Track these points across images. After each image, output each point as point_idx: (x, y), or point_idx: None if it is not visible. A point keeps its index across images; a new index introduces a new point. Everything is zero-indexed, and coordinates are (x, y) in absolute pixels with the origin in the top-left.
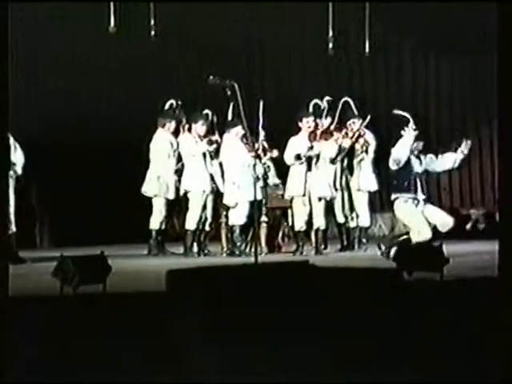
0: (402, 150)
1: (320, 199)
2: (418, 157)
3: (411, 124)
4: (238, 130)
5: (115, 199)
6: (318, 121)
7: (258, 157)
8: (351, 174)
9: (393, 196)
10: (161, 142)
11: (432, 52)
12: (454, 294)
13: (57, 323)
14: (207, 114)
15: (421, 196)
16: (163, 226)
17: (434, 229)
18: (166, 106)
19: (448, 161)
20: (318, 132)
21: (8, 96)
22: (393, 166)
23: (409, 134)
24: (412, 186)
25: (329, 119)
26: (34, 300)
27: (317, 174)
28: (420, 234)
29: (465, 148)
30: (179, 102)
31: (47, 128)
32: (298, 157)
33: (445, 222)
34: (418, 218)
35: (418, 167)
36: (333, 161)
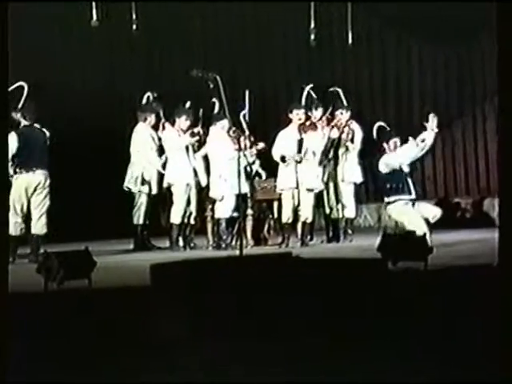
0: (403, 158)
1: (309, 191)
2: None
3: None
4: (224, 124)
5: (99, 194)
6: (309, 112)
7: (242, 150)
8: (336, 165)
9: (387, 199)
10: (142, 136)
11: (415, 42)
12: (438, 283)
13: (42, 319)
14: (191, 109)
15: (412, 195)
16: (147, 221)
17: (426, 222)
18: (145, 100)
19: (425, 141)
20: (307, 123)
21: (7, 96)
22: (384, 170)
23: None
24: (406, 186)
25: (320, 110)
26: (18, 296)
27: (306, 166)
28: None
29: (432, 124)
30: (155, 95)
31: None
32: (283, 159)
33: (434, 213)
34: (417, 219)
35: (406, 167)
36: (326, 155)
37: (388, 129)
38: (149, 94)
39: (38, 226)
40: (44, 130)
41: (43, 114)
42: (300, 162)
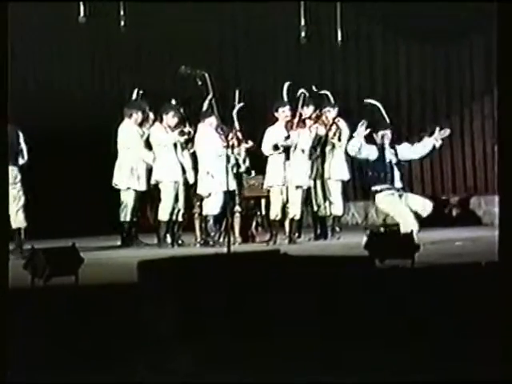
0: (353, 140)
1: (297, 188)
2: (392, 147)
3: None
4: (212, 121)
5: (87, 190)
6: (300, 110)
7: (231, 147)
8: (324, 162)
9: (373, 188)
10: (128, 133)
11: (403, 40)
12: (425, 280)
13: (28, 316)
14: (178, 105)
15: (399, 185)
16: (135, 218)
17: (415, 215)
18: (132, 96)
19: (421, 146)
20: (295, 121)
21: (7, 94)
22: (351, 152)
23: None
24: (389, 176)
25: (311, 107)
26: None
27: (294, 162)
28: (406, 225)
29: (439, 135)
30: (141, 92)
31: (15, 118)
32: (276, 147)
33: (425, 207)
34: (404, 209)
35: (392, 157)
36: (312, 151)
37: (388, 121)
38: (135, 90)
39: (18, 220)
40: (16, 127)
41: (30, 111)
42: (290, 148)
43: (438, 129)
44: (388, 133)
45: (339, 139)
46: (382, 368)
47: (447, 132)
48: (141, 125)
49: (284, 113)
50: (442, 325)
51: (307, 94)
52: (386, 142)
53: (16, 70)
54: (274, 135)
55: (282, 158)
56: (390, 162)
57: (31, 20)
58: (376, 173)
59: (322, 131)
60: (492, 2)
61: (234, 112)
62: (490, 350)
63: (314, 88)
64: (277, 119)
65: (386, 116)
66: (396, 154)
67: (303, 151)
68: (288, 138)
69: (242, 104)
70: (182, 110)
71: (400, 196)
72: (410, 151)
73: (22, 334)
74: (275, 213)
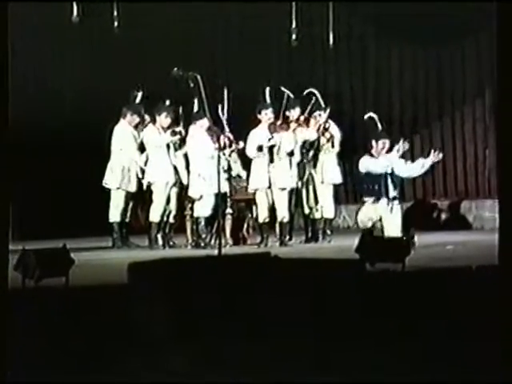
0: (384, 168)
1: (282, 190)
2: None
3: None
4: (203, 122)
5: (78, 191)
6: (287, 112)
7: (222, 149)
8: (315, 166)
9: (364, 199)
10: (122, 134)
11: (396, 42)
12: (415, 284)
13: (19, 317)
14: (171, 106)
15: (392, 194)
16: (126, 219)
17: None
18: (131, 98)
19: (416, 167)
20: (278, 123)
21: (8, 94)
22: (362, 170)
23: (394, 157)
24: (383, 188)
25: (297, 110)
26: None
27: (278, 165)
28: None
29: (434, 157)
30: (138, 94)
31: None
32: (260, 148)
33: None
34: (368, 219)
35: (387, 169)
36: (290, 153)
37: (380, 128)
38: (136, 92)
39: None
40: None
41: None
42: (274, 147)
43: (432, 151)
44: (387, 142)
45: (332, 145)
46: (370, 370)
47: (440, 156)
48: (136, 127)
49: (267, 115)
50: (432, 327)
51: (292, 96)
52: (383, 152)
53: (16, 69)
54: (257, 138)
55: (266, 160)
56: (385, 173)
57: (30, 19)
58: (367, 184)
59: (313, 136)
60: (492, 2)
61: (224, 115)
62: (476, 352)
63: (285, 90)
64: (260, 121)
65: (380, 126)
66: (389, 165)
67: (286, 154)
68: (272, 138)
69: (225, 108)
70: (175, 111)
71: (389, 204)
72: (404, 168)
73: (12, 334)
74: (263, 216)
